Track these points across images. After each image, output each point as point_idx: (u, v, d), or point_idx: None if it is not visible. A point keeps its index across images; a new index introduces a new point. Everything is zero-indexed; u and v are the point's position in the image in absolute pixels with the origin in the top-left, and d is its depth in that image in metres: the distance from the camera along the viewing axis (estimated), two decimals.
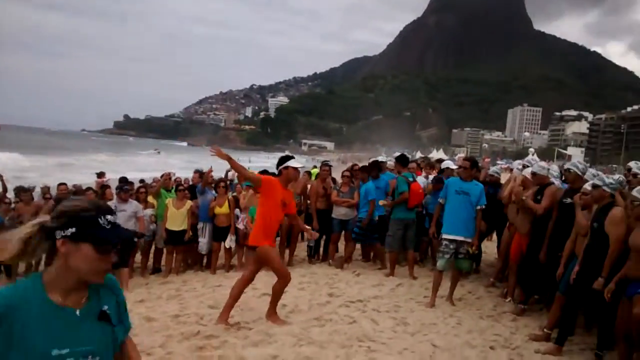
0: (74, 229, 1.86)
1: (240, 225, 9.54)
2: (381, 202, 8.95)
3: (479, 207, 6.95)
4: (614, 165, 58.21)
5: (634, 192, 4.76)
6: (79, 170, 32.06)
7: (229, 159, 5.78)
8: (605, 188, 5.25)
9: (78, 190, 11.28)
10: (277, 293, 6.15)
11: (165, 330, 5.91)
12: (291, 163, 6.08)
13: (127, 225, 8.67)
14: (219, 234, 9.49)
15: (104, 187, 10.50)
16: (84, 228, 1.87)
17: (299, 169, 6.34)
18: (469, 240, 6.94)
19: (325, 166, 10.25)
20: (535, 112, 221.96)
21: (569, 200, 6.09)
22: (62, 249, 1.87)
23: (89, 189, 10.52)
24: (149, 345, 5.33)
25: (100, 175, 12.99)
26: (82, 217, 1.88)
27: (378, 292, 7.46)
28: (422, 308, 6.95)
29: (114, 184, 10.14)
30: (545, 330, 6.02)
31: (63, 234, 1.87)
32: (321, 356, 5.09)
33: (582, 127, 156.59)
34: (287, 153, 6.35)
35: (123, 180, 10.67)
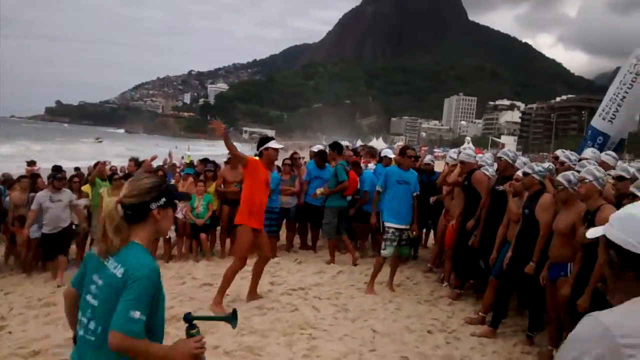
0: (163, 199, 2.38)
1: (179, 215, 9.37)
2: (319, 191, 8.93)
3: (415, 194, 7.15)
4: (545, 154, 60.71)
5: (559, 177, 5.00)
6: (12, 159, 30.51)
7: (226, 137, 5.90)
8: (535, 175, 5.49)
9: (7, 179, 10.79)
10: (227, 276, 6.27)
11: None
12: (271, 144, 6.20)
13: (63, 215, 8.38)
14: None
15: (34, 175, 10.08)
16: (168, 196, 2.42)
17: (279, 149, 6.49)
18: (409, 226, 7.13)
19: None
20: (471, 102, 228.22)
21: (500, 187, 6.32)
22: (158, 216, 2.38)
23: (22, 177, 10.07)
24: None
25: (31, 163, 12.46)
26: (165, 189, 2.42)
27: (319, 280, 7.52)
28: (362, 294, 7.06)
29: (45, 174, 9.76)
30: (480, 313, 6.25)
31: (157, 204, 2.37)
32: (263, 345, 5.10)
33: (515, 116, 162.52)
34: (267, 135, 6.68)
35: (56, 169, 10.27)
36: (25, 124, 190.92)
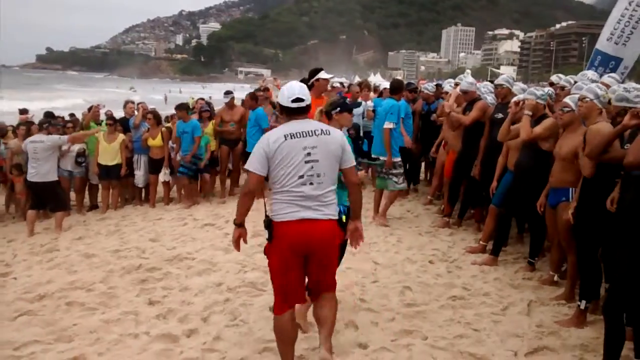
0: (338, 108, 4.13)
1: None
2: None
3: (385, 125, 7.16)
4: (544, 83, 59.95)
5: (566, 99, 4.87)
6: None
7: None
8: (538, 100, 5.36)
9: (1, 129, 10.66)
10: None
11: (106, 265, 5.82)
12: (321, 75, 6.36)
13: (47, 164, 8.02)
14: (154, 167, 9.23)
15: (27, 123, 9.93)
16: (342, 107, 4.16)
17: (329, 79, 6.74)
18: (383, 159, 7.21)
19: (262, 92, 10.00)
20: (469, 32, 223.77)
21: (500, 115, 6.21)
22: (336, 117, 4.13)
23: (19, 124, 9.90)
24: (89, 282, 5.25)
25: (23, 111, 12.27)
26: (341, 103, 4.22)
27: None
28: (365, 228, 7.05)
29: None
30: (480, 242, 6.28)
31: (336, 111, 4.10)
32: (266, 280, 5.12)
33: (514, 45, 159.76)
34: (317, 68, 6.65)
35: (49, 115, 10.14)
36: (27, 72, 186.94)
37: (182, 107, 9.22)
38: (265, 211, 3.50)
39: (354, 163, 3.61)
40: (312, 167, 3.37)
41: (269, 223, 3.42)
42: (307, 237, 3.37)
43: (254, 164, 3.40)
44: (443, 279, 5.34)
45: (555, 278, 5.23)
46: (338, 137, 3.51)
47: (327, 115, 4.07)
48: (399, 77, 13.38)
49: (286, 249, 3.38)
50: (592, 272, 4.36)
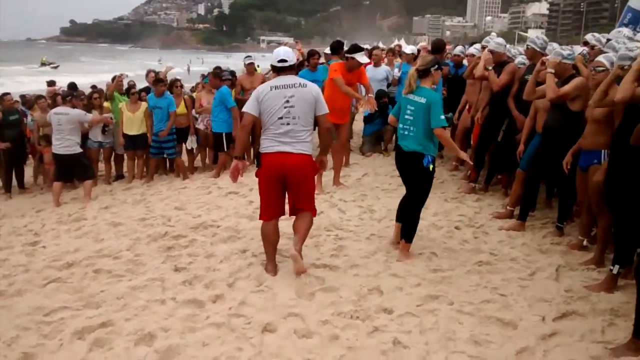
0: (436, 66, 4.78)
1: (201, 126, 9.30)
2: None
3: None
4: (574, 45, 58.25)
5: (600, 58, 4.68)
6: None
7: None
8: (565, 61, 5.17)
9: (27, 101, 10.78)
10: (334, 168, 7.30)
11: (133, 233, 5.87)
12: (356, 56, 6.78)
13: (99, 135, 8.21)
14: (178, 136, 9.24)
15: (55, 95, 10.02)
16: (438, 65, 4.82)
17: (361, 62, 6.94)
18: None
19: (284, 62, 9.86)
20: None
21: (530, 76, 6.02)
22: (434, 73, 4.78)
23: (40, 97, 10.02)
24: (117, 249, 5.30)
25: (51, 84, 12.37)
26: (435, 61, 4.82)
27: (344, 182, 7.48)
28: (388, 195, 7.02)
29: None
30: (508, 207, 6.18)
31: (433, 68, 4.73)
32: (290, 247, 5.11)
33: (542, 8, 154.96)
34: (357, 44, 7.27)
35: (72, 87, 10.19)
36: (60, 44, 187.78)
37: (158, 81, 9.07)
38: (258, 147, 4.72)
39: (327, 111, 4.50)
40: (289, 112, 4.33)
41: (258, 155, 4.55)
42: (282, 165, 4.35)
43: (248, 106, 4.46)
44: (469, 245, 5.27)
45: (585, 243, 5.12)
46: (313, 89, 4.47)
47: (424, 73, 4.73)
48: (424, 43, 13.03)
49: (268, 174, 4.43)
50: (626, 237, 4.24)
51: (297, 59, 9.64)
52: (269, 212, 4.54)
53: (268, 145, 4.40)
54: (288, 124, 4.32)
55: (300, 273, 4.42)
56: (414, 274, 4.53)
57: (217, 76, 9.21)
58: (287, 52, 4.54)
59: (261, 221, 4.63)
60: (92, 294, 4.30)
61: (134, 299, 4.16)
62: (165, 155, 9.12)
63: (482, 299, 4.10)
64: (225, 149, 8.72)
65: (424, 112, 4.63)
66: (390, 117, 5.16)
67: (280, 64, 4.44)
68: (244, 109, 4.49)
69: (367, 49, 10.47)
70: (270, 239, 4.57)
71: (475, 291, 4.25)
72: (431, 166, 4.74)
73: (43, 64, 61.33)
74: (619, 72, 4.21)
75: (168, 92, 9.04)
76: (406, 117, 4.78)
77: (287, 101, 4.33)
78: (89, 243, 5.69)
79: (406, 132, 4.78)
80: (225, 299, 4.15)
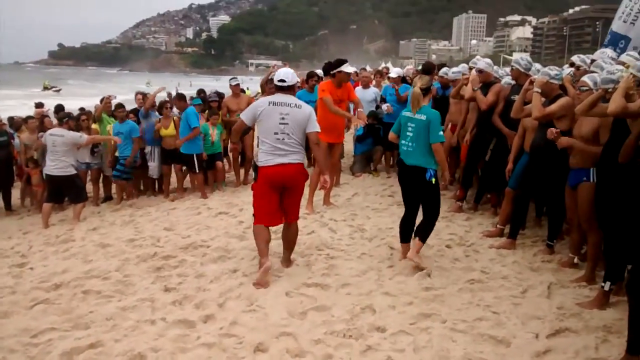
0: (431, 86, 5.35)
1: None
2: None
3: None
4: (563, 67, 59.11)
5: (584, 78, 4.76)
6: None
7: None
8: (552, 81, 5.25)
9: (15, 122, 10.72)
10: (314, 182, 6.83)
11: (121, 254, 5.81)
12: (343, 67, 6.89)
13: (65, 157, 7.99)
14: (168, 157, 9.22)
15: (43, 116, 9.98)
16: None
17: (350, 73, 7.22)
18: None
19: (272, 83, 9.91)
20: (480, 19, 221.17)
21: (515, 96, 6.08)
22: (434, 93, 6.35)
23: (28, 118, 9.98)
24: (105, 270, 5.24)
25: (39, 105, 12.32)
26: (431, 83, 5.38)
27: (334, 202, 7.47)
28: (379, 215, 7.02)
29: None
30: (498, 226, 6.19)
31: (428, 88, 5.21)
32: (281, 267, 5.10)
33: (527, 32, 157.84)
34: (341, 59, 7.17)
35: (59, 108, 10.16)
36: (48, 68, 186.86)
37: (118, 107, 9.13)
38: (254, 160, 5.50)
39: (317, 129, 4.95)
40: (283, 128, 4.80)
41: (255, 167, 5.07)
42: (282, 176, 4.83)
43: (245, 114, 5.01)
44: (461, 263, 5.27)
45: (576, 260, 5.14)
46: (306, 110, 4.95)
47: (426, 91, 5.10)
48: (410, 66, 13.20)
49: (266, 185, 4.86)
50: (617, 253, 4.26)
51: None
52: (265, 219, 4.91)
53: (266, 159, 4.84)
54: (283, 138, 4.80)
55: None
56: (406, 292, 4.51)
57: (182, 98, 9.34)
58: (287, 73, 5.03)
59: (247, 241, 5.11)
60: (81, 315, 4.23)
61: (123, 320, 4.10)
62: (112, 176, 9.21)
63: (474, 316, 4.09)
64: (197, 170, 8.74)
65: (425, 128, 4.93)
66: (391, 135, 5.33)
67: (280, 83, 4.95)
68: (241, 115, 5.11)
69: (355, 71, 10.56)
70: (263, 237, 4.86)
71: (468, 309, 4.23)
72: (434, 180, 5.00)
73: (46, 88, 61.30)
74: (602, 94, 4.30)
75: (132, 118, 9.25)
76: (407, 133, 5.05)
77: (283, 118, 4.81)
78: (77, 264, 5.62)
79: (408, 149, 5.05)
80: (216, 319, 4.10)
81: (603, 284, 4.27)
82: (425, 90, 5.06)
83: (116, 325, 4.02)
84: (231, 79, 10.06)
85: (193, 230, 6.60)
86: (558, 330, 3.89)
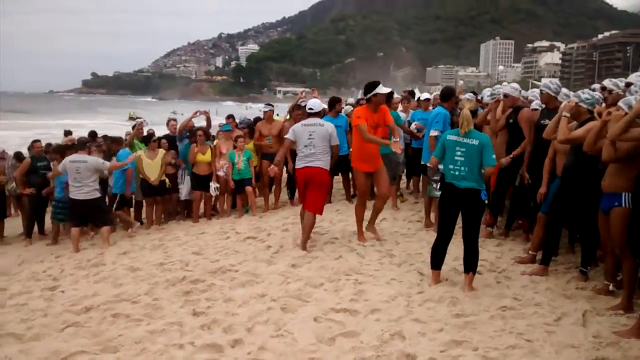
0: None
1: (221, 173, 9.38)
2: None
3: (430, 133, 7.40)
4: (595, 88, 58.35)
5: (620, 103, 4.67)
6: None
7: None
8: (581, 104, 5.19)
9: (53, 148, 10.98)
10: (374, 211, 7.07)
11: (151, 278, 5.85)
12: (379, 90, 6.63)
13: (89, 181, 8.07)
14: (199, 183, 9.33)
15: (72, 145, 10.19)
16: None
17: (386, 93, 6.88)
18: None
19: (299, 109, 10.02)
20: (508, 45, 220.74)
21: (546, 121, 6.01)
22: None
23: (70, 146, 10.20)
24: (135, 294, 5.28)
25: (68, 133, 12.65)
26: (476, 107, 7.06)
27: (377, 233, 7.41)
28: (407, 240, 6.96)
29: None
30: (530, 252, 6.08)
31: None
32: (309, 291, 5.08)
33: (555, 57, 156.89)
34: (374, 81, 6.81)
35: (92, 135, 10.40)
36: (85, 97, 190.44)
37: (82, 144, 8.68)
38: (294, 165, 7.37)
39: (337, 143, 6.72)
40: (311, 142, 6.57)
41: (294, 170, 7.30)
42: (305, 174, 6.63)
43: (289, 135, 6.81)
44: (493, 290, 5.16)
45: (611, 287, 4.99)
46: (329, 127, 6.68)
47: (474, 114, 5.71)
48: (437, 92, 13.19)
49: (300, 179, 6.76)
50: None
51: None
52: (302, 202, 6.93)
53: (299, 163, 6.69)
54: (311, 149, 6.55)
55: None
56: (436, 319, 4.43)
57: (115, 141, 9.78)
58: (315, 103, 6.96)
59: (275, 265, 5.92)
60: (110, 338, 4.26)
61: (152, 343, 4.11)
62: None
63: (507, 344, 3.98)
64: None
65: (477, 152, 5.03)
66: (433, 159, 5.42)
67: (309, 111, 6.87)
68: (286, 136, 6.92)
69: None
70: (302, 214, 6.78)
71: (500, 337, 4.13)
72: (486, 200, 5.21)
73: (131, 118, 63.16)
74: (635, 116, 4.23)
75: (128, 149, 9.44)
76: (456, 158, 5.10)
77: (310, 134, 6.58)
78: (107, 288, 5.68)
79: (458, 173, 5.09)
80: (244, 343, 4.08)
81: None
82: (473, 113, 5.19)
83: (145, 349, 4.02)
84: (265, 104, 10.31)
85: (221, 255, 6.62)
86: (595, 359, 3.76)
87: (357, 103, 10.79)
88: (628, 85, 5.61)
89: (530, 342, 4.01)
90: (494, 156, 5.09)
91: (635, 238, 4.40)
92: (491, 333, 4.19)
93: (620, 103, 4.67)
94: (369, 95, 6.64)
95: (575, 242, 6.28)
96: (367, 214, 7.07)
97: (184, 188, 9.52)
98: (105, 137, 10.81)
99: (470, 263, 5.14)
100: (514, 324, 4.36)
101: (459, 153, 5.08)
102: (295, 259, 6.18)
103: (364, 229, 6.94)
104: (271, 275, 5.57)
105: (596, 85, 7.00)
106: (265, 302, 4.87)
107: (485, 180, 5.17)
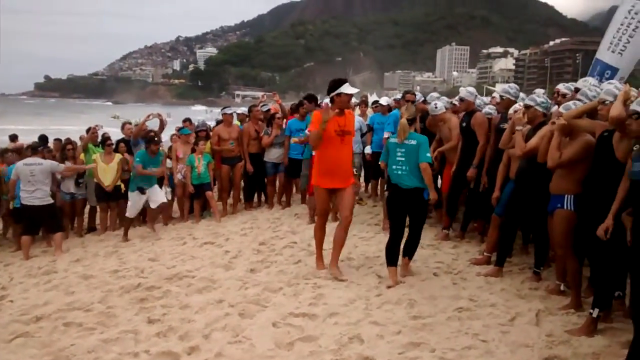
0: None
1: (179, 176, 9.23)
2: (294, 140, 8.84)
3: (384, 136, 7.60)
4: None
5: (561, 109, 4.84)
6: None
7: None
8: (537, 107, 5.33)
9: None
10: (335, 245, 5.77)
11: (104, 285, 5.71)
12: (344, 89, 5.47)
13: (42, 186, 7.84)
14: None
15: (21, 148, 9.86)
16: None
17: (352, 94, 5.68)
18: None
19: (256, 107, 9.97)
20: (463, 51, 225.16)
21: (505, 125, 6.14)
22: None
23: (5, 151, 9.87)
24: (88, 302, 5.14)
25: (14, 138, 12.23)
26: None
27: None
28: (365, 243, 7.00)
29: None
30: (485, 253, 6.18)
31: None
32: (268, 296, 5.04)
33: (509, 63, 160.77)
34: (339, 78, 5.71)
35: (43, 139, 10.11)
36: (27, 100, 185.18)
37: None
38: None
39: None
40: None
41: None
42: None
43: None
44: (449, 291, 5.23)
45: (562, 287, 5.12)
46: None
47: (412, 121, 5.47)
48: (398, 96, 13.36)
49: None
50: (604, 280, 4.26)
51: (275, 110, 9.84)
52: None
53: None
54: None
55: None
56: (394, 322, 4.46)
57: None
58: None
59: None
60: (62, 348, 4.13)
61: (105, 353, 4.01)
62: None
63: (463, 345, 4.03)
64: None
65: (416, 152, 5.36)
66: (382, 163, 5.77)
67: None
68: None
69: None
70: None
71: (457, 338, 4.18)
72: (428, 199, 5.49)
73: (115, 118, 61.65)
74: (596, 105, 4.48)
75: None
76: (397, 158, 5.43)
77: None
78: (59, 296, 5.51)
79: (400, 172, 5.40)
80: (201, 350, 4.02)
81: (591, 311, 4.25)
82: (411, 121, 5.41)
83: (98, 358, 3.92)
84: (224, 108, 10.14)
85: (178, 261, 6.52)
86: (547, 358, 3.85)
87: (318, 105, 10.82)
88: (577, 90, 5.78)
89: (486, 343, 4.08)
90: (428, 154, 5.41)
91: (579, 240, 4.55)
92: (448, 334, 4.23)
93: (561, 109, 4.84)
94: (331, 95, 5.53)
95: (529, 244, 6.42)
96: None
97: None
98: (58, 140, 10.53)
99: (409, 249, 5.62)
100: (470, 324, 4.42)
101: (399, 154, 5.42)
102: (254, 264, 6.14)
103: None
104: (229, 281, 5.51)
105: (539, 90, 7.24)
106: (222, 308, 4.81)
107: (426, 179, 5.37)
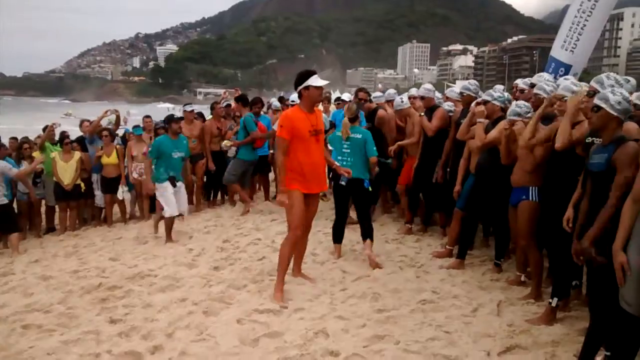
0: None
1: (135, 174, 9.08)
2: (227, 143, 8.83)
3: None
4: None
5: (508, 114, 5.02)
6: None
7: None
8: (494, 102, 5.44)
9: None
10: (283, 254, 5.05)
11: (64, 286, 5.58)
12: (311, 81, 4.80)
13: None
14: (108, 186, 8.99)
15: None
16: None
17: (322, 87, 4.96)
18: None
19: (218, 104, 9.89)
20: (424, 48, 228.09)
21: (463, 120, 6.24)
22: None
23: None
24: (47, 303, 5.02)
25: None
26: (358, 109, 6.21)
27: (284, 229, 7.39)
28: (330, 239, 6.98)
29: None
30: (447, 247, 6.28)
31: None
32: (232, 293, 5.01)
33: (468, 60, 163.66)
34: (307, 70, 5.02)
35: None
36: None
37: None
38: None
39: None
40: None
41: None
42: None
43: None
44: (412, 284, 5.29)
45: (522, 278, 5.25)
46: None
47: (354, 119, 5.99)
48: (362, 92, 13.42)
49: None
50: (562, 270, 4.38)
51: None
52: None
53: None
54: None
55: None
56: (359, 315, 4.49)
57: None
58: None
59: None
60: (20, 350, 4.02)
61: (66, 354, 3.92)
62: None
63: (427, 336, 4.09)
64: None
65: (361, 145, 5.88)
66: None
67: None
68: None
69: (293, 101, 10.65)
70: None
71: (420, 329, 4.24)
72: (370, 188, 5.99)
73: (67, 115, 60.45)
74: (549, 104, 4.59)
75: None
76: (344, 150, 5.95)
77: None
78: (16, 298, 5.35)
79: (346, 163, 5.81)
80: (164, 349, 3.96)
81: (550, 301, 4.37)
82: (353, 120, 5.95)
83: None
84: (185, 105, 10.02)
85: (140, 260, 6.42)
86: (509, 347, 3.93)
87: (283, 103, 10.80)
88: (532, 85, 5.90)
89: (449, 334, 4.14)
90: (374, 148, 5.91)
91: (542, 231, 4.65)
92: (412, 326, 4.29)
93: (508, 114, 4.98)
94: (299, 89, 4.88)
95: (490, 236, 6.55)
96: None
97: (100, 195, 9.14)
98: (14, 139, 10.23)
99: (366, 233, 5.93)
100: (434, 316, 4.49)
101: (345, 146, 5.93)
102: (218, 261, 6.09)
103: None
104: (192, 279, 5.46)
105: (499, 86, 7.41)
106: (186, 306, 4.76)
107: (372, 170, 5.99)
